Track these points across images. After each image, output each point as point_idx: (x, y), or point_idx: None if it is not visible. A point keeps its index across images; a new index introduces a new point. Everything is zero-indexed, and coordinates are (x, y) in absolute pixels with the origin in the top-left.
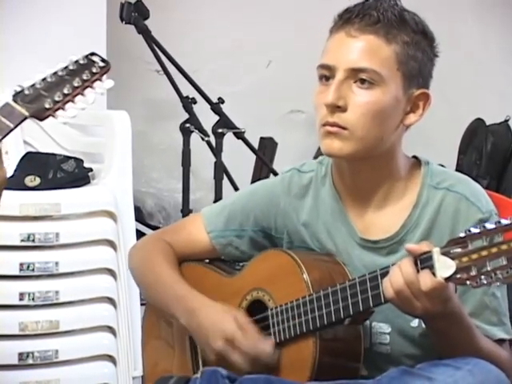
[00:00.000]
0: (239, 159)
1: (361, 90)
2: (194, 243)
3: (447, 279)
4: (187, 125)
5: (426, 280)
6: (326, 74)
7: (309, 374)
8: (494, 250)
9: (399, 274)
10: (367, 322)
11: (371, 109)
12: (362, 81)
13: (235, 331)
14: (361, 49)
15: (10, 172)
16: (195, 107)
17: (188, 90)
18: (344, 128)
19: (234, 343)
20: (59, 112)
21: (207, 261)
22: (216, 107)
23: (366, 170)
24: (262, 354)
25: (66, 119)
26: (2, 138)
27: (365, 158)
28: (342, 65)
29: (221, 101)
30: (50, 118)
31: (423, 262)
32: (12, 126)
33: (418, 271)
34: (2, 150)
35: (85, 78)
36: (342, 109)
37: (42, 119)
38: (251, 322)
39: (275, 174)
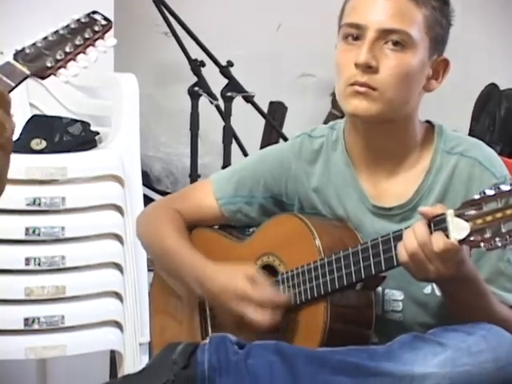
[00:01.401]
0: (248, 124)
1: (393, 52)
2: (203, 210)
3: (461, 241)
4: (196, 88)
5: (439, 242)
6: (354, 33)
7: (319, 340)
8: (509, 211)
9: (412, 236)
10: (379, 288)
11: (402, 71)
12: (395, 43)
13: (246, 287)
14: (393, 10)
15: (15, 135)
16: (204, 70)
17: (197, 53)
18: (373, 89)
19: (247, 299)
20: (61, 71)
21: (217, 226)
22: (225, 70)
23: (384, 135)
24: (277, 300)
25: (68, 78)
26: None
27: (386, 121)
28: (374, 25)
29: (230, 64)
30: (52, 78)
31: (437, 224)
32: (13, 84)
33: (431, 233)
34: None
35: (87, 36)
36: (373, 69)
37: (43, 78)
38: (261, 274)
39: (285, 139)
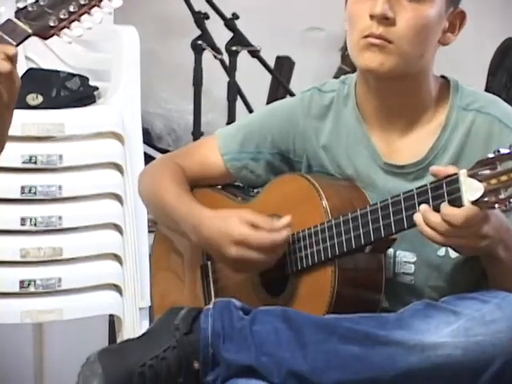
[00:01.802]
0: (254, 79)
1: (410, 3)
2: (208, 166)
3: (475, 202)
4: (199, 42)
5: (456, 214)
6: None
7: (326, 305)
8: None
9: (425, 226)
10: (391, 250)
11: (419, 23)
12: None
13: (242, 230)
14: None
15: None
16: (208, 23)
17: (200, 5)
18: (389, 41)
19: (244, 242)
20: (64, 31)
21: (220, 187)
22: (230, 23)
23: (398, 90)
24: (277, 239)
25: (72, 39)
26: None
27: (400, 76)
28: None
29: (235, 16)
30: (55, 37)
31: (449, 184)
32: (14, 43)
33: (445, 197)
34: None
35: None
36: (390, 21)
37: (45, 38)
38: (258, 214)
39: (292, 95)
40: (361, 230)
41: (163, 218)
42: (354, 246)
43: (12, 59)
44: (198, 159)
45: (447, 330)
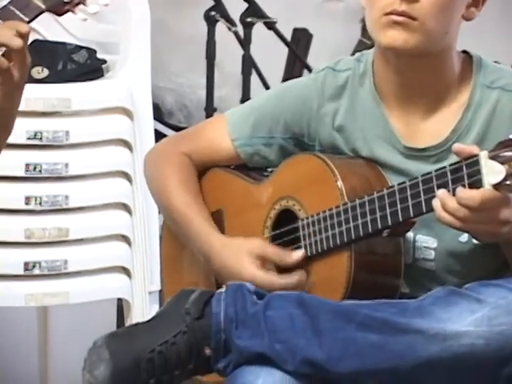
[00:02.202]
0: (270, 52)
1: None
2: (217, 152)
3: (496, 186)
4: (212, 13)
5: (473, 196)
6: None
7: (343, 292)
8: None
9: (442, 211)
10: (410, 234)
11: None
12: None
13: (252, 272)
14: None
15: None
16: None
17: None
18: (413, 18)
19: (256, 284)
20: (79, 7)
21: (233, 166)
22: None
23: (419, 70)
24: (288, 284)
25: (87, 15)
26: None
27: (423, 54)
28: None
29: None
30: (69, 14)
31: (469, 166)
32: (27, 19)
33: (465, 182)
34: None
35: None
36: None
37: (59, 14)
38: (271, 246)
39: (309, 69)
40: (377, 214)
41: (168, 219)
42: (370, 230)
43: (24, 36)
44: (207, 144)
45: (470, 319)
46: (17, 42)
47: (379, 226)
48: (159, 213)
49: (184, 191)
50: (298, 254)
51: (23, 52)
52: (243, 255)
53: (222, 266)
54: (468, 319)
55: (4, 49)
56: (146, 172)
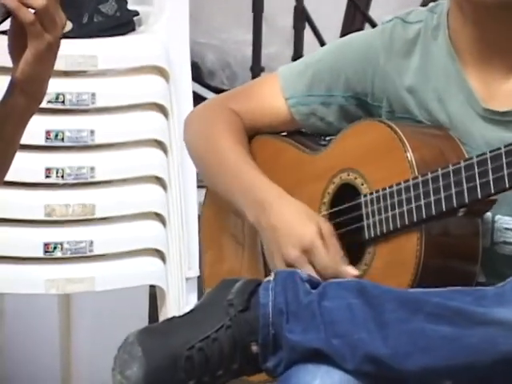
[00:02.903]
0: (326, 4)
1: None
2: (268, 112)
3: None
4: None
5: None
6: None
7: (411, 279)
8: None
9: None
10: (488, 214)
11: None
12: None
13: (316, 241)
14: None
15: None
16: None
17: None
18: None
19: (311, 255)
20: None
21: (285, 133)
22: None
23: (503, 20)
24: (342, 272)
25: None
26: None
27: (509, 5)
28: None
29: None
30: None
31: None
32: None
33: None
34: None
35: None
36: None
37: None
38: (337, 237)
39: (372, 24)
40: (453, 190)
41: (214, 183)
42: (444, 209)
43: None
44: (257, 103)
45: None
46: (38, 2)
47: (454, 203)
48: (198, 188)
49: (237, 143)
50: (352, 272)
51: (48, 11)
52: (313, 224)
53: (279, 218)
54: None
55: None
56: (188, 134)
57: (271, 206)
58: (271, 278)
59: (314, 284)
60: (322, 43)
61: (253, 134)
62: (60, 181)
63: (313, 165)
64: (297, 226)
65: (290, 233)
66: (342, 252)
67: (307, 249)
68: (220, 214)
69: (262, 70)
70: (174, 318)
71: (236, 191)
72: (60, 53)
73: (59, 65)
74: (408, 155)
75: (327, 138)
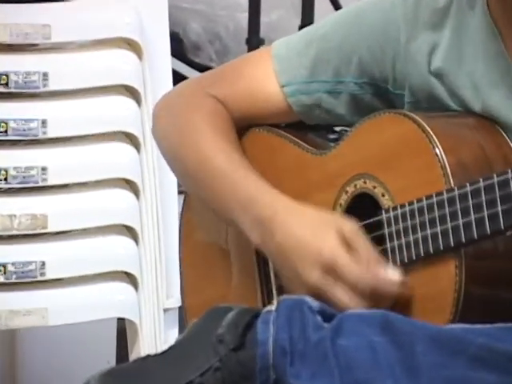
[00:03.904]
0: None
1: None
2: (260, 102)
3: None
4: None
5: None
6: None
7: (450, 313)
8: None
9: None
10: None
11: None
12: None
13: (337, 251)
14: None
15: None
16: None
17: None
18: None
19: (336, 272)
20: None
21: (283, 125)
22: None
23: None
24: (383, 286)
25: None
26: None
27: None
28: None
29: None
30: None
31: None
32: None
33: None
34: None
35: None
36: None
37: None
38: (364, 235)
39: None
40: (499, 207)
41: (195, 187)
42: (488, 230)
43: None
44: (245, 89)
45: None
46: None
47: (502, 224)
48: (179, 193)
49: (223, 141)
50: (394, 276)
51: None
52: (327, 227)
53: (287, 235)
54: None
55: None
56: (157, 125)
57: (278, 224)
58: (272, 307)
59: (327, 316)
60: (337, 6)
61: (240, 128)
62: (3, 185)
63: (319, 168)
64: (311, 240)
65: (305, 251)
66: (376, 253)
67: (330, 265)
68: (204, 223)
69: (260, 42)
70: (148, 357)
71: (228, 204)
72: (2, 21)
73: (2, 36)
74: (440, 159)
75: (338, 130)
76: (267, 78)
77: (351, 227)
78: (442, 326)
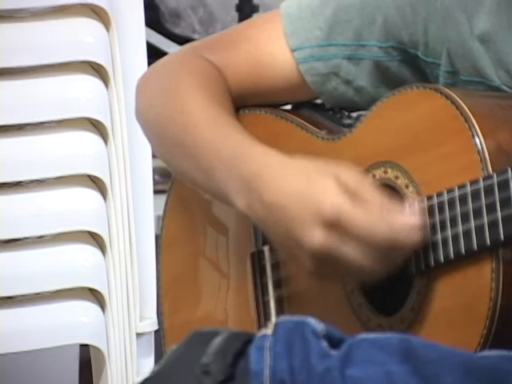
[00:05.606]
0: None
1: None
2: (264, 69)
3: None
4: None
5: None
6: None
7: (482, 333)
8: None
9: None
10: None
11: None
12: None
13: (343, 205)
14: None
15: None
16: None
17: None
18: None
19: (342, 227)
20: None
21: (289, 108)
22: None
23: None
24: (402, 235)
25: None
26: None
27: None
28: None
29: None
30: None
31: None
32: None
33: None
34: None
35: None
36: None
37: None
38: (369, 180)
39: None
40: None
41: (181, 164)
42: None
43: None
44: (247, 55)
45: None
46: None
47: None
48: (155, 193)
49: (212, 99)
50: (413, 219)
51: None
52: (324, 177)
53: (281, 193)
54: None
55: None
56: (141, 102)
57: (268, 179)
58: (268, 331)
59: (334, 341)
60: None
61: (237, 105)
62: None
63: (331, 156)
64: (306, 194)
65: (301, 209)
66: (386, 198)
67: (333, 220)
68: (187, 231)
69: (254, 10)
70: None
71: (214, 168)
72: None
73: None
74: (477, 142)
75: (353, 115)
76: (274, 43)
77: (354, 174)
78: (474, 347)
